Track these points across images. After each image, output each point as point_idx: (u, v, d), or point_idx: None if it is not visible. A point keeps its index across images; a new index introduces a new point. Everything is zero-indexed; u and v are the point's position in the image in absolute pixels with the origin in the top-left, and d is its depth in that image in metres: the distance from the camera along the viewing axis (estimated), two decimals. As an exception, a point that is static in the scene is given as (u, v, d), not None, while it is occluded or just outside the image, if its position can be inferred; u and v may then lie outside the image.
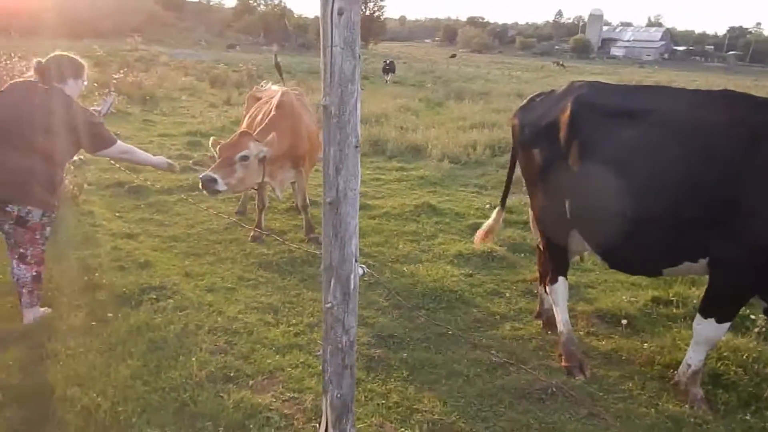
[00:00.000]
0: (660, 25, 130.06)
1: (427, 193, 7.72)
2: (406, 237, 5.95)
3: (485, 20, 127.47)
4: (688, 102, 3.27)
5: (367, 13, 72.67)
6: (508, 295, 4.72)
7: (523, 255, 5.54)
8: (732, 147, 2.96)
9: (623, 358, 3.80)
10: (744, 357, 3.55)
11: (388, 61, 27.24)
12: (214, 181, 4.57)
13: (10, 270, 3.75)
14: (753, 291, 3.13)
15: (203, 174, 4.63)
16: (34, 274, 3.71)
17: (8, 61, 12.42)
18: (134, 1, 53.89)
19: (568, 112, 3.47)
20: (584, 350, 3.82)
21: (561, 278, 3.78)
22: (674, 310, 4.41)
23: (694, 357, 3.33)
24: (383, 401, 3.22)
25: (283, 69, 16.30)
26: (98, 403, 2.93)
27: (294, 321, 4.08)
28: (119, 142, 3.94)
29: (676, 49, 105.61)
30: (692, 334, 3.33)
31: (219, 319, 3.96)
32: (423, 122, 13.22)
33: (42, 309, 3.83)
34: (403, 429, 3.01)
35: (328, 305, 2.35)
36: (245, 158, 4.76)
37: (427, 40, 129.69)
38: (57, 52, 3.84)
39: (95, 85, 13.08)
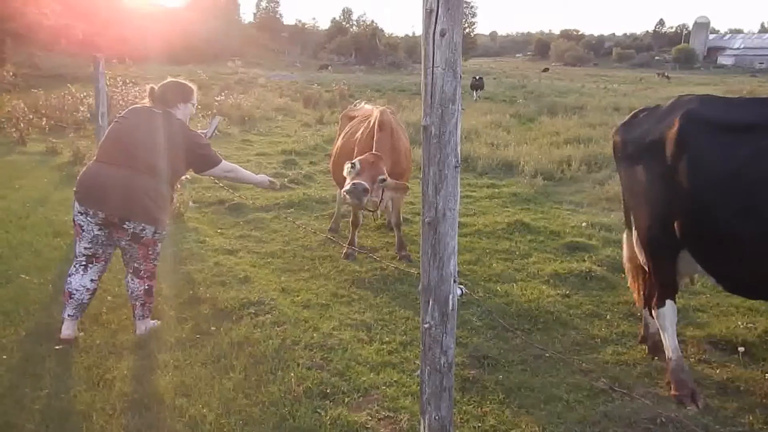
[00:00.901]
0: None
1: (519, 211, 7.51)
2: (498, 255, 5.83)
3: (580, 32, 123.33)
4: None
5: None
6: (608, 317, 4.50)
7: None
8: None
9: (741, 389, 3.50)
10: None
11: (477, 77, 26.40)
12: (367, 191, 4.60)
13: (125, 284, 4.01)
14: None
15: (356, 182, 4.61)
16: (147, 287, 3.94)
17: (123, 87, 13.45)
18: (236, 27, 56.97)
19: (676, 128, 3.28)
20: (696, 379, 3.56)
21: (669, 301, 3.55)
22: (798, 339, 4.04)
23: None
24: (479, 424, 3.14)
25: (373, 87, 16.60)
26: (204, 414, 3.05)
27: (387, 339, 4.08)
28: (224, 161, 4.12)
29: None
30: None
31: (314, 335, 4.03)
32: (514, 138, 13.00)
33: (152, 321, 4.06)
34: (500, 454, 2.93)
35: (426, 325, 2.33)
36: (383, 180, 4.84)
37: (518, 55, 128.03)
38: (169, 79, 4.11)
39: (198, 107, 13.82)
